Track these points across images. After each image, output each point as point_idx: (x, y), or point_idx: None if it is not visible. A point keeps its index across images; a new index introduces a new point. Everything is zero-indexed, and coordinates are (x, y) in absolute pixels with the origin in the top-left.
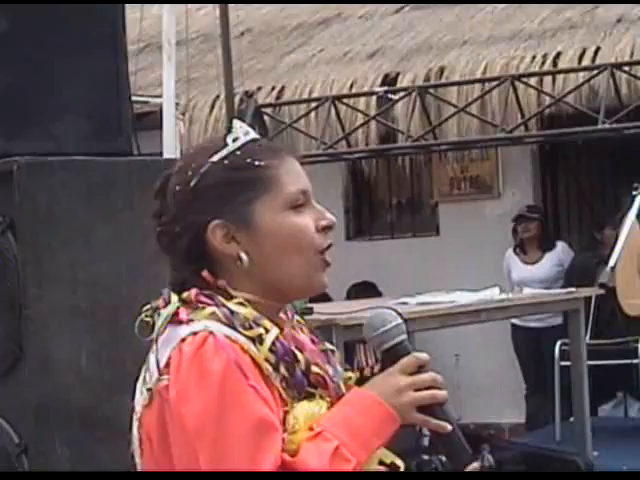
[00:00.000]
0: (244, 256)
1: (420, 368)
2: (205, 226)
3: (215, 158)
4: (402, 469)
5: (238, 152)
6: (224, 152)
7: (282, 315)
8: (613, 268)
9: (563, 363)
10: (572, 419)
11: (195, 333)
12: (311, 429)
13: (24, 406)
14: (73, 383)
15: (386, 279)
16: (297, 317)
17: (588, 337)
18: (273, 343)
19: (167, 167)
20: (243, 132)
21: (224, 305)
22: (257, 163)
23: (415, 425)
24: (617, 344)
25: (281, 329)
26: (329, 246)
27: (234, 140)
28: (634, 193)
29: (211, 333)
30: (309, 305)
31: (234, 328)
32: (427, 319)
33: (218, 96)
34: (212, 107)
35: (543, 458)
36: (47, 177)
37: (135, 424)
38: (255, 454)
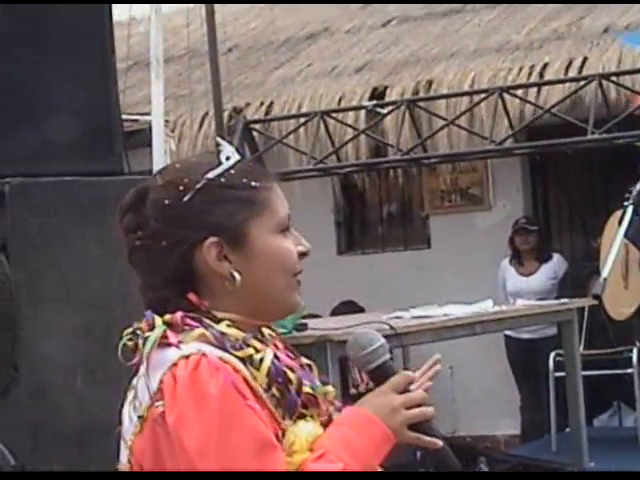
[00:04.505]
0: (237, 275)
1: (409, 386)
2: (198, 243)
3: (211, 175)
4: None
5: (232, 171)
6: (220, 169)
7: (261, 334)
8: (606, 279)
9: (557, 374)
10: (568, 430)
11: (187, 356)
12: (311, 450)
13: (20, 427)
14: (69, 403)
15: (378, 293)
16: (269, 332)
17: (582, 347)
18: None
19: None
20: (231, 151)
21: (212, 327)
22: (253, 184)
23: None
24: (611, 354)
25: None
26: (300, 271)
27: (227, 158)
28: (625, 203)
29: (204, 355)
30: (303, 321)
31: (225, 349)
32: (422, 332)
33: (207, 113)
34: (201, 124)
35: (540, 469)
36: (39, 198)
37: (125, 452)
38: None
